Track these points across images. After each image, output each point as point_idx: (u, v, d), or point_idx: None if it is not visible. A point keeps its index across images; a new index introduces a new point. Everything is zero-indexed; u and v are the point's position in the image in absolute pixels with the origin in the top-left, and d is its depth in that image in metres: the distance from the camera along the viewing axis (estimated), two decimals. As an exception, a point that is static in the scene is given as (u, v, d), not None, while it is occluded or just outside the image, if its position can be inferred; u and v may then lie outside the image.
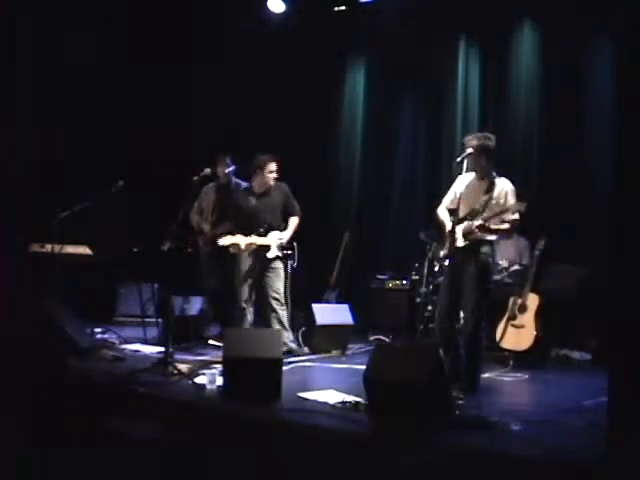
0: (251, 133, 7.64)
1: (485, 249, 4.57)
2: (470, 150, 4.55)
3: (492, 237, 4.61)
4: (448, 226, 4.61)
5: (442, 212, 4.82)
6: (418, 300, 6.46)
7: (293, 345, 5.79)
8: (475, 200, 4.59)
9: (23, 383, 4.26)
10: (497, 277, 5.82)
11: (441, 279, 5.06)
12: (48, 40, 6.85)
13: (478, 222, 4.47)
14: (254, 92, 7.81)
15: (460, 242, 4.53)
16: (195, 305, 6.29)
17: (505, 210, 4.44)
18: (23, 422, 3.89)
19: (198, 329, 6.21)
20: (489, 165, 4.65)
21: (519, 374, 5.16)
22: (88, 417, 3.95)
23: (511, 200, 4.51)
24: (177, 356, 5.04)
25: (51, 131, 6.91)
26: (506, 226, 4.52)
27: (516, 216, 4.46)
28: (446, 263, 4.65)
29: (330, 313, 6.12)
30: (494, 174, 4.67)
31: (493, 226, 4.51)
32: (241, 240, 5.62)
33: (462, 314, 4.69)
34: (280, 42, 7.95)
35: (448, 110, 7.47)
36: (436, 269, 6.19)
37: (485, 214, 4.48)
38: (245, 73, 8.02)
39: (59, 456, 3.63)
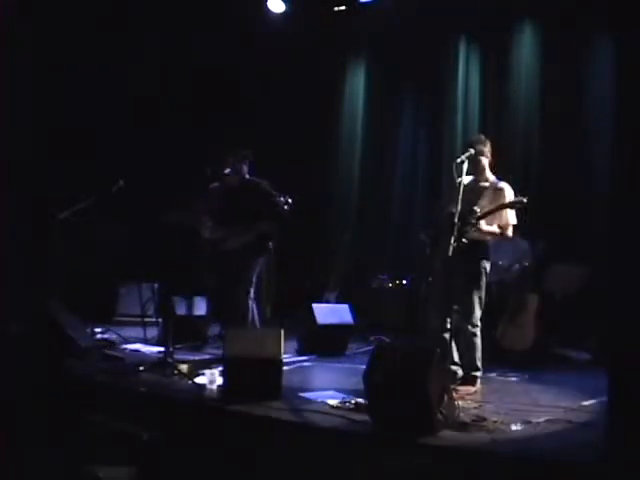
0: (250, 134, 7.63)
1: (481, 250, 4.60)
2: (472, 151, 4.56)
3: (489, 238, 4.63)
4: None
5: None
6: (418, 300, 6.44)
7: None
8: (474, 202, 4.60)
9: (22, 382, 4.27)
10: (497, 277, 5.81)
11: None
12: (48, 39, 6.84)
13: (475, 224, 4.48)
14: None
15: (457, 243, 4.54)
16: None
17: (501, 209, 4.47)
18: (22, 421, 3.89)
19: (198, 329, 6.20)
20: (488, 168, 4.70)
21: (519, 374, 5.15)
22: (87, 417, 3.95)
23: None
24: (177, 356, 5.05)
25: (50, 130, 6.91)
26: (498, 230, 4.56)
27: (513, 220, 4.52)
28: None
29: (330, 313, 6.11)
30: (494, 178, 4.69)
31: (490, 228, 4.53)
32: None
33: (458, 314, 4.70)
34: (280, 42, 7.95)
35: (448, 110, 7.46)
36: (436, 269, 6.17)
37: (482, 216, 4.49)
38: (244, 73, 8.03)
39: (59, 456, 3.63)
